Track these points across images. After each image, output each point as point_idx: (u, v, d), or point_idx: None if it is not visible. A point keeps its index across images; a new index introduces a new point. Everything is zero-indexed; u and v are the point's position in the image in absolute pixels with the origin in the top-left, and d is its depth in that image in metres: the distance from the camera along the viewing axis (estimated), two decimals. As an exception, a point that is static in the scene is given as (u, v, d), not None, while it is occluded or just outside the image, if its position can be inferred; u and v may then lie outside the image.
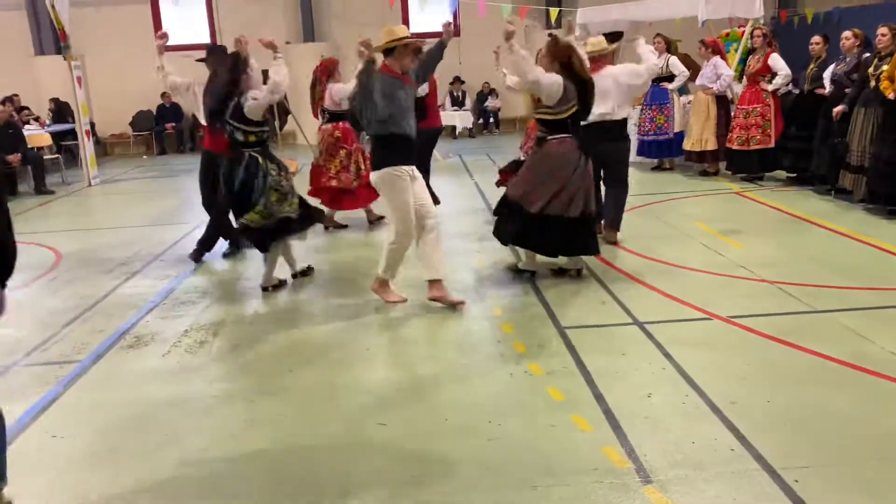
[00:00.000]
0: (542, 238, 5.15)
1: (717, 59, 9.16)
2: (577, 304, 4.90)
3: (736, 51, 9.89)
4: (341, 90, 6.99)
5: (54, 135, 12.84)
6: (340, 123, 7.13)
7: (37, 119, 13.50)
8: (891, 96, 6.52)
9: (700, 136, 9.25)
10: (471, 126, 15.82)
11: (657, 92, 9.77)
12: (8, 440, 3.38)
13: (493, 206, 5.70)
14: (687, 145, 9.45)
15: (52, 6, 10.70)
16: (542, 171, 5.07)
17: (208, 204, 6.34)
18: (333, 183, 7.05)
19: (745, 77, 8.90)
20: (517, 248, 5.81)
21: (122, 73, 15.14)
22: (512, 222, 5.22)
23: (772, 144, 8.55)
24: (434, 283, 4.97)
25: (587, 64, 5.12)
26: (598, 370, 3.84)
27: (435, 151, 8.55)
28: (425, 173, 7.77)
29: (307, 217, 5.53)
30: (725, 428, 3.21)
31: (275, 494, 2.92)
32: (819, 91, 7.90)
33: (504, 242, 5.49)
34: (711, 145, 9.20)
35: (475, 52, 15.01)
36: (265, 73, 5.35)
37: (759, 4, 9.68)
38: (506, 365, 3.99)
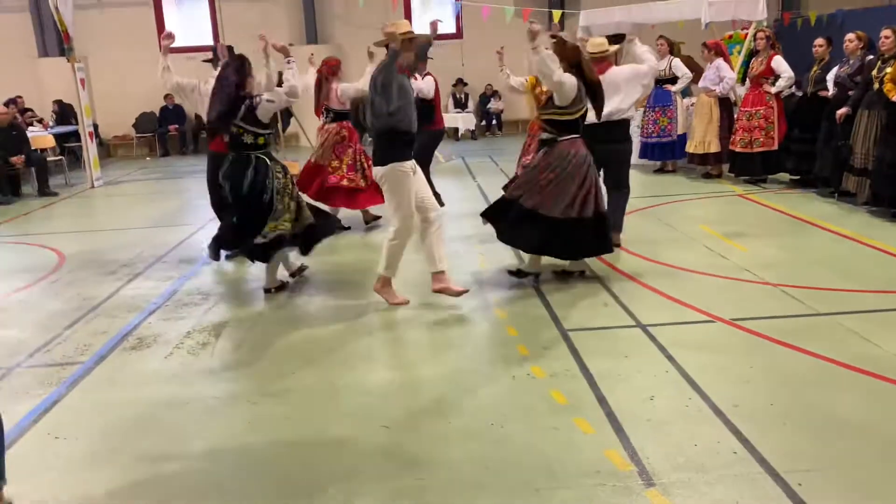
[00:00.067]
0: (567, 242, 5.12)
1: (719, 61, 9.16)
2: (580, 307, 4.90)
3: (739, 53, 9.89)
4: (347, 89, 7.01)
5: (58, 136, 12.87)
6: (345, 122, 7.15)
7: (40, 121, 13.52)
8: (894, 98, 6.51)
9: (703, 138, 9.25)
10: (473, 128, 15.82)
11: (660, 94, 9.76)
12: (10, 441, 3.41)
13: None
14: (690, 148, 9.44)
15: (56, 8, 10.72)
16: (557, 173, 5.03)
17: (218, 206, 6.33)
18: (345, 182, 7.04)
19: (748, 79, 8.89)
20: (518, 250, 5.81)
21: (125, 75, 15.16)
22: (534, 230, 5.09)
23: (775, 147, 8.54)
24: (437, 274, 5.02)
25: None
26: (601, 373, 3.83)
27: (437, 153, 8.57)
28: (426, 175, 7.78)
29: (323, 226, 5.55)
30: (728, 431, 3.20)
31: (277, 496, 2.92)
32: (822, 93, 7.89)
33: (528, 251, 5.41)
34: (714, 148, 9.20)
35: (477, 54, 15.04)
36: (280, 76, 5.38)
37: (763, 7, 9.68)
38: (508, 367, 3.99)
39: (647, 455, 3.04)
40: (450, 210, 8.04)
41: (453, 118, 15.03)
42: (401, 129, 4.81)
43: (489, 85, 15.97)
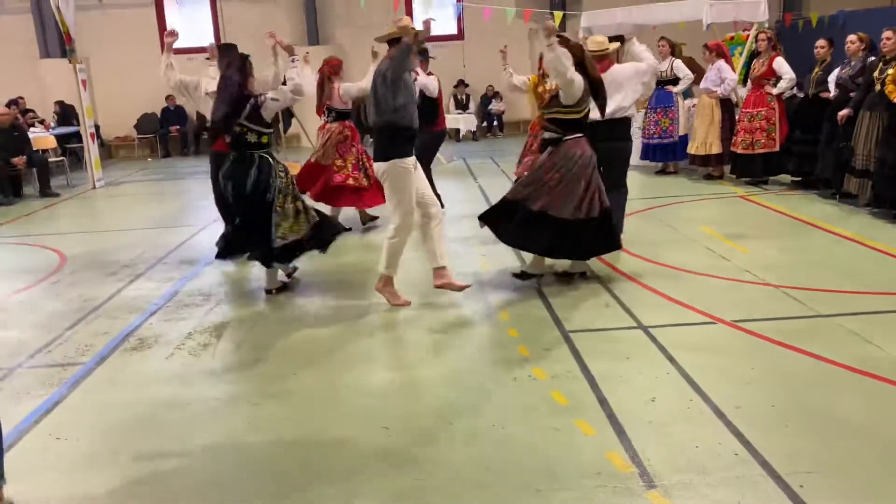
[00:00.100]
0: (576, 243, 5.11)
1: (721, 62, 9.15)
2: (582, 308, 4.89)
3: (740, 54, 9.88)
4: (350, 88, 7.02)
5: (59, 137, 12.88)
6: (347, 122, 7.15)
7: (42, 122, 13.53)
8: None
9: (704, 139, 9.24)
10: (474, 129, 15.82)
11: (662, 95, 9.76)
12: (11, 442, 3.41)
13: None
14: (691, 149, 9.43)
15: (58, 9, 10.73)
16: (563, 173, 5.00)
17: (222, 205, 6.32)
18: (350, 182, 7.03)
19: (749, 81, 8.89)
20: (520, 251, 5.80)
21: (126, 76, 15.18)
22: (543, 232, 5.05)
23: (776, 148, 8.53)
24: (439, 270, 5.06)
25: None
26: (602, 374, 3.83)
27: (438, 154, 8.56)
28: (430, 178, 7.78)
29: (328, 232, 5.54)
30: (729, 432, 3.19)
31: (277, 496, 2.92)
32: (824, 95, 7.88)
33: (539, 253, 5.37)
34: (716, 149, 9.19)
35: (479, 55, 15.05)
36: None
37: (764, 8, 9.67)
38: (510, 369, 3.98)
39: (648, 457, 3.03)
40: (451, 211, 8.04)
41: (455, 119, 15.03)
42: (403, 124, 4.83)
43: (490, 86, 15.97)
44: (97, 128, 13.12)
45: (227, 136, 5.22)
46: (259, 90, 5.24)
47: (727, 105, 9.27)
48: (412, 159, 4.92)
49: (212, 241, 6.37)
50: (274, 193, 5.14)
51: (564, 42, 5.00)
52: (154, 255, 6.86)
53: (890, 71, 6.67)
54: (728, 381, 3.70)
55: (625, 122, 6.00)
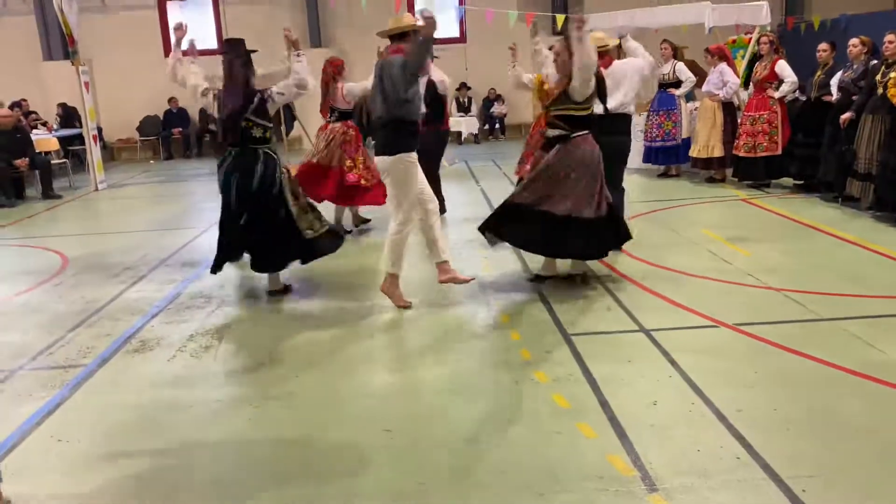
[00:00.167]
0: (592, 240, 5.09)
1: (723, 65, 9.15)
2: (584, 311, 4.89)
3: (743, 57, 9.88)
4: (353, 88, 7.03)
5: (62, 139, 12.90)
6: (350, 122, 7.15)
7: (44, 124, 13.56)
8: (898, 103, 6.51)
9: (706, 142, 9.24)
10: (476, 132, 15.83)
11: (664, 98, 9.77)
12: (13, 444, 3.42)
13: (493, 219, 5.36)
14: (693, 152, 9.43)
15: (61, 11, 10.76)
16: (580, 173, 4.96)
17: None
18: (363, 182, 7.03)
19: (751, 84, 8.89)
20: (521, 252, 5.79)
21: (129, 79, 15.21)
22: (577, 237, 5.00)
23: (779, 151, 8.53)
24: (442, 264, 5.12)
25: None
26: (604, 377, 3.83)
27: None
28: (435, 179, 7.79)
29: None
30: (731, 436, 3.19)
31: (279, 498, 2.92)
32: (826, 98, 7.88)
33: (581, 258, 5.35)
34: (718, 152, 9.19)
35: (481, 58, 15.05)
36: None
37: (766, 11, 9.68)
38: (511, 372, 3.98)
39: (649, 460, 3.03)
40: (453, 214, 8.05)
41: (457, 122, 15.03)
42: (409, 118, 4.87)
43: (492, 89, 15.99)
44: (100, 130, 13.12)
45: (232, 133, 5.13)
46: (263, 85, 5.23)
47: (729, 108, 9.27)
48: (415, 154, 4.94)
49: (214, 243, 6.38)
50: (280, 187, 5.13)
51: (570, 38, 5.00)
52: (156, 257, 6.86)
53: (892, 74, 6.67)
54: (730, 384, 3.70)
55: (626, 118, 6.03)
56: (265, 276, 5.59)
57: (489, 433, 3.33)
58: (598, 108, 5.23)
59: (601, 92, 5.15)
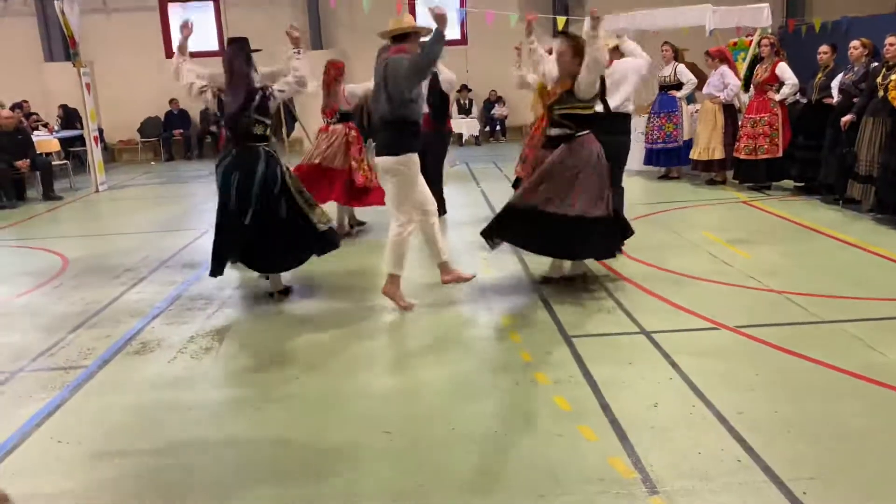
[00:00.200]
0: (608, 241, 5.10)
1: (724, 67, 9.15)
2: (584, 313, 4.89)
3: (744, 60, 9.88)
4: (355, 89, 7.03)
5: (63, 141, 12.91)
6: (350, 123, 7.15)
7: (45, 125, 13.57)
8: (899, 106, 6.50)
9: (707, 144, 9.24)
10: (477, 134, 15.84)
11: (665, 100, 9.77)
12: (13, 445, 3.42)
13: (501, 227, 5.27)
14: (694, 154, 9.43)
15: (62, 13, 10.77)
16: (589, 172, 4.94)
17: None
18: (372, 183, 7.02)
19: (752, 86, 8.89)
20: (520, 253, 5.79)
21: (130, 80, 15.23)
22: (606, 236, 5.02)
23: (779, 154, 8.53)
24: (444, 265, 5.20)
25: None
26: (605, 379, 3.82)
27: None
28: (438, 180, 7.81)
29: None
30: (732, 438, 3.18)
31: (280, 501, 2.91)
32: (827, 100, 7.88)
33: (608, 258, 5.36)
34: (719, 154, 9.19)
35: (482, 60, 15.06)
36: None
37: (767, 14, 9.69)
38: (512, 374, 3.98)
39: (650, 462, 3.03)
40: (453, 216, 8.05)
41: (457, 124, 15.04)
42: (412, 118, 4.88)
43: (493, 91, 16.00)
44: (101, 131, 13.14)
45: (237, 131, 5.11)
46: (265, 83, 5.24)
47: (730, 110, 9.27)
48: (417, 155, 4.96)
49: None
50: (284, 183, 5.13)
51: (574, 39, 5.00)
52: (157, 258, 6.86)
53: (893, 77, 6.67)
54: (730, 386, 3.69)
55: (626, 117, 6.04)
56: (265, 277, 5.58)
57: (489, 435, 3.33)
58: (597, 108, 5.23)
59: (602, 91, 5.15)
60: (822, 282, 5.27)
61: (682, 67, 9.63)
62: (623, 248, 5.76)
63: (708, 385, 3.69)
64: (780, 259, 5.94)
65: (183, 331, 4.90)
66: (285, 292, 5.52)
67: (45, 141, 12.10)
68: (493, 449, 3.21)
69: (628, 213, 6.38)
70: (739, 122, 9.05)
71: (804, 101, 8.53)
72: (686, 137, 9.68)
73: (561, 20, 12.21)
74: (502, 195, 6.60)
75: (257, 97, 5.07)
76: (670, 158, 9.87)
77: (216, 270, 5.26)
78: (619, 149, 5.86)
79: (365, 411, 3.64)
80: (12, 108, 12.28)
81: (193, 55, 5.68)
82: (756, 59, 9.14)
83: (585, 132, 5.01)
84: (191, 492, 3.01)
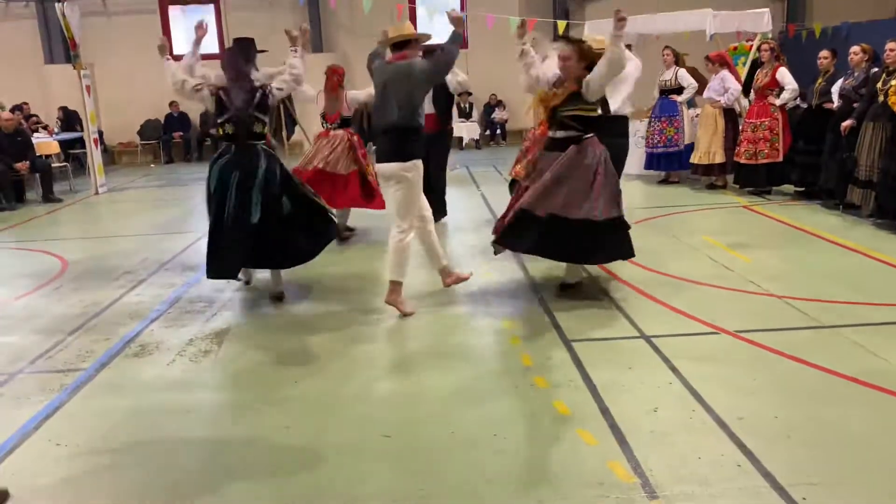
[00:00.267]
0: (627, 240, 5.07)
1: (724, 72, 9.16)
2: (584, 318, 4.88)
3: (744, 64, 9.89)
4: (357, 95, 7.02)
5: (62, 143, 12.91)
6: (350, 128, 7.14)
7: (45, 127, 13.58)
8: (899, 111, 6.51)
9: (708, 149, 9.24)
10: (477, 137, 15.85)
11: (666, 104, 9.78)
12: (11, 447, 3.41)
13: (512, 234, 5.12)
14: (695, 158, 9.43)
15: (63, 15, 10.78)
16: (601, 174, 4.89)
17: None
18: (380, 187, 7.01)
19: (752, 91, 8.90)
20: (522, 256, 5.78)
21: (130, 83, 15.24)
22: (608, 238, 4.95)
23: (780, 158, 8.54)
24: (444, 269, 5.27)
25: None
26: (605, 384, 3.82)
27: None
28: (442, 180, 7.82)
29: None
30: (732, 443, 3.18)
31: (278, 506, 2.91)
32: (827, 105, 7.88)
33: (584, 262, 5.32)
34: (719, 158, 9.19)
35: (482, 63, 15.06)
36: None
37: (768, 19, 9.70)
38: (512, 378, 3.97)
39: (650, 467, 3.02)
40: (454, 219, 8.05)
41: (457, 127, 15.04)
42: (417, 124, 4.90)
43: (493, 95, 16.02)
44: (101, 133, 13.16)
45: (227, 128, 5.07)
46: (263, 81, 5.25)
47: (731, 115, 9.28)
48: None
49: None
50: (287, 176, 5.14)
51: (580, 43, 4.99)
52: (156, 261, 6.85)
53: (893, 82, 6.68)
54: (730, 391, 3.69)
55: (624, 120, 6.04)
56: (265, 279, 5.57)
57: (489, 439, 3.32)
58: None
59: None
60: (822, 286, 5.27)
61: (683, 72, 9.63)
62: None
63: (708, 390, 3.69)
64: (780, 263, 5.94)
65: (182, 333, 4.89)
66: (280, 298, 5.48)
67: (45, 143, 12.10)
68: (492, 453, 3.20)
69: (628, 217, 6.36)
70: (740, 127, 9.05)
71: (804, 105, 8.55)
72: (687, 142, 9.68)
73: (561, 24, 12.23)
74: (503, 199, 6.59)
75: (258, 94, 5.08)
76: (671, 163, 9.86)
77: (220, 272, 5.15)
78: (618, 151, 5.84)
79: (364, 414, 3.63)
80: (12, 110, 12.29)
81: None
82: (756, 64, 9.15)
83: (591, 134, 4.99)
84: (189, 494, 3.00)
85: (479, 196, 9.70)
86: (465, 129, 15.43)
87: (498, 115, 16.17)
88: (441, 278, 5.35)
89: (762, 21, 9.78)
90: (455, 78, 7.22)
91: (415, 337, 4.73)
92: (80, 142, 12.59)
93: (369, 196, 7.02)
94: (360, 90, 7.04)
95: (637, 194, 8.96)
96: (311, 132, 8.92)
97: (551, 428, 3.40)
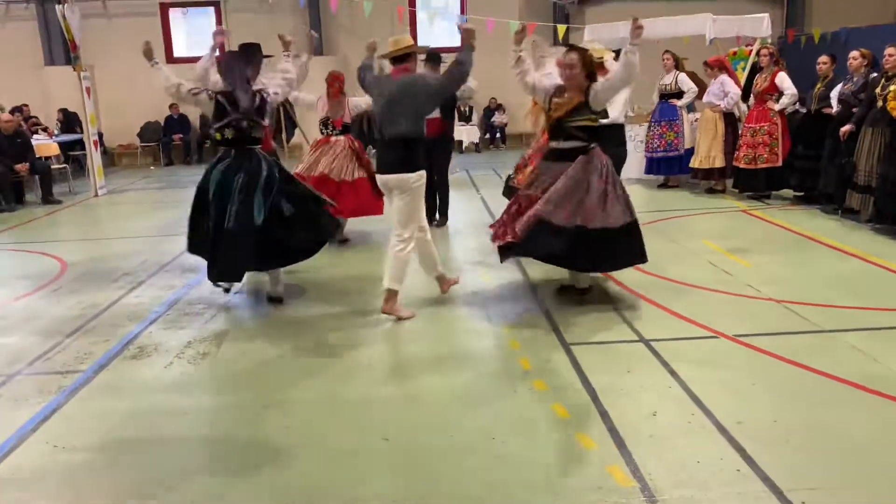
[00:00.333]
0: (641, 244, 5.07)
1: (724, 76, 9.17)
2: (583, 321, 4.87)
3: (743, 69, 9.91)
4: (359, 102, 7.02)
5: (62, 145, 12.91)
6: (349, 134, 7.14)
7: (45, 129, 13.58)
8: (898, 116, 6.52)
9: (708, 153, 9.25)
10: (477, 141, 15.86)
11: (666, 108, 9.78)
12: (9, 449, 3.40)
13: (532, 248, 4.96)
14: (694, 163, 9.43)
15: (63, 17, 10.78)
16: (613, 183, 4.90)
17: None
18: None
19: (751, 96, 8.91)
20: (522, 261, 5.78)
21: (130, 85, 15.21)
22: (626, 243, 4.94)
23: (779, 163, 8.55)
24: (440, 277, 5.34)
25: None
26: (604, 388, 3.81)
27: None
28: (446, 183, 7.83)
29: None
30: (731, 448, 3.18)
31: (276, 508, 2.90)
32: (826, 110, 7.89)
33: (595, 271, 5.32)
34: (719, 162, 9.20)
35: (482, 67, 14.98)
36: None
37: (767, 24, 9.73)
38: (510, 381, 3.97)
39: (649, 471, 3.01)
40: (454, 223, 8.05)
41: (457, 131, 15.04)
42: (422, 134, 4.91)
43: (493, 98, 16.02)
44: (100, 135, 13.15)
45: (225, 133, 5.07)
46: (259, 85, 5.26)
47: (730, 119, 9.29)
48: None
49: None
50: (284, 178, 5.14)
51: (583, 52, 4.98)
52: (155, 262, 6.85)
53: (892, 87, 6.68)
54: (730, 395, 3.69)
55: (621, 128, 6.04)
56: (264, 281, 5.57)
57: (488, 442, 3.31)
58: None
59: None
60: (822, 291, 5.27)
61: (683, 76, 9.64)
62: None
63: (707, 394, 3.69)
64: (779, 268, 5.94)
65: (181, 335, 4.89)
66: (279, 300, 5.48)
67: (45, 145, 12.10)
68: (490, 457, 3.20)
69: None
70: (739, 132, 9.06)
71: (803, 110, 8.55)
72: (687, 146, 9.69)
73: (561, 28, 12.26)
74: (502, 202, 6.58)
75: (258, 99, 5.09)
76: (671, 167, 9.87)
77: (224, 276, 5.14)
78: (616, 161, 5.86)
79: (364, 417, 3.63)
80: (12, 112, 12.29)
81: (194, 60, 5.71)
82: (755, 69, 9.17)
83: (594, 144, 4.97)
84: (188, 495, 2.99)
85: (478, 199, 9.71)
86: (464, 133, 15.45)
87: (498, 118, 16.19)
88: (438, 286, 5.41)
89: (761, 26, 9.80)
90: (467, 85, 7.22)
91: (414, 340, 4.73)
92: (80, 143, 12.58)
93: (376, 201, 7.01)
94: (361, 97, 7.05)
95: (637, 198, 8.86)
96: (310, 136, 8.93)
97: (550, 431, 3.40)
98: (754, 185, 8.75)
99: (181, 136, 15.54)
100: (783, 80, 8.45)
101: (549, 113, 4.98)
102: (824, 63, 8.04)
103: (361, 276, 6.15)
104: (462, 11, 15.49)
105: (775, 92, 8.50)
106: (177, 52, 15.98)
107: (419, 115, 4.86)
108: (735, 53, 10.39)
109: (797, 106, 8.70)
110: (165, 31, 15.81)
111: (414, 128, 4.83)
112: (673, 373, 3.96)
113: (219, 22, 15.76)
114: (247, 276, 5.86)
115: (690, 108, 9.96)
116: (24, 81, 15.02)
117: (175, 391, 4.04)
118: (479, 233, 7.54)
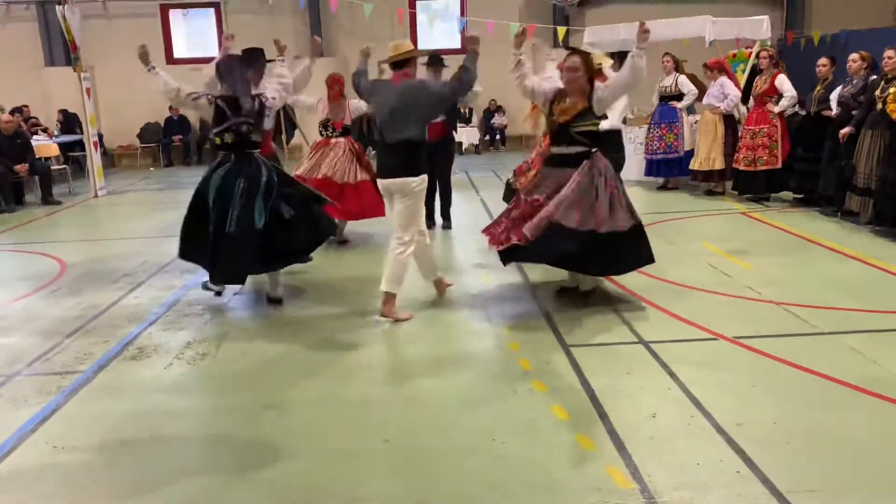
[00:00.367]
0: (647, 246, 5.09)
1: (723, 78, 9.18)
2: (583, 323, 4.88)
3: (743, 72, 9.92)
4: (360, 104, 7.01)
5: (62, 145, 12.91)
6: (349, 136, 7.14)
7: (45, 129, 13.58)
8: (897, 118, 6.52)
9: (707, 155, 9.26)
10: (477, 143, 15.87)
11: (666, 110, 9.79)
12: (8, 450, 3.40)
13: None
14: (694, 165, 9.44)
15: (64, 18, 10.79)
16: (616, 185, 4.91)
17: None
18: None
19: (751, 98, 8.92)
20: (523, 265, 5.77)
21: (130, 85, 15.19)
22: (641, 243, 5.00)
23: (779, 165, 8.55)
24: (438, 281, 5.40)
25: None
26: (603, 389, 3.81)
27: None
28: (448, 185, 7.83)
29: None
30: (731, 450, 3.17)
31: (275, 509, 2.90)
32: (826, 113, 7.90)
33: (601, 275, 5.32)
34: (719, 164, 9.20)
35: (482, 69, 15.03)
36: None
37: (767, 26, 9.74)
38: (510, 382, 3.96)
39: (648, 473, 3.01)
40: (453, 223, 8.05)
41: (458, 133, 15.08)
42: (424, 138, 4.93)
43: (493, 100, 16.03)
44: (100, 136, 13.15)
45: (225, 137, 5.05)
46: (258, 90, 5.27)
47: (730, 121, 9.30)
48: None
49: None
50: (282, 181, 5.14)
51: (585, 56, 4.97)
52: (155, 263, 6.85)
53: (891, 90, 6.69)
54: (729, 397, 3.69)
55: (619, 133, 6.04)
56: (264, 282, 5.57)
57: (488, 443, 3.31)
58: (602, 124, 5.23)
59: None
60: (821, 293, 5.27)
61: (683, 78, 9.65)
62: None
63: (707, 396, 3.69)
64: (779, 270, 5.94)
65: (180, 336, 4.89)
66: (279, 301, 5.48)
67: (45, 145, 12.11)
68: (490, 458, 3.20)
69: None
70: (739, 134, 9.07)
71: (803, 113, 8.56)
72: (687, 148, 9.70)
73: (561, 30, 12.27)
74: (502, 204, 6.59)
75: (257, 104, 5.09)
76: (671, 169, 9.88)
77: (227, 278, 5.18)
78: (615, 166, 5.85)
79: (364, 418, 3.63)
80: (12, 113, 12.29)
81: (194, 61, 5.71)
82: (755, 71, 9.17)
83: (596, 149, 4.96)
84: (188, 496, 2.99)
85: (478, 201, 9.71)
86: (464, 135, 15.46)
87: (497, 120, 16.20)
88: (436, 289, 5.45)
89: (761, 28, 9.81)
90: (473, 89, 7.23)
91: (414, 341, 4.73)
92: (80, 144, 12.59)
93: (379, 203, 6.98)
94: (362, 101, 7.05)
95: (636, 200, 8.82)
96: (310, 137, 8.93)
97: (550, 433, 3.40)
98: (754, 187, 8.76)
99: (181, 137, 15.55)
100: (783, 82, 8.46)
101: (553, 118, 4.95)
102: (824, 65, 8.05)
103: (361, 277, 6.14)
104: (462, 13, 15.50)
105: (775, 94, 8.51)
106: (177, 53, 15.99)
107: (423, 121, 4.89)
108: (735, 55, 10.40)
109: (797, 108, 8.71)
110: (166, 32, 15.82)
111: (418, 132, 4.84)
112: (673, 374, 3.96)
113: (219, 23, 15.78)
114: (246, 279, 5.88)
115: (690, 110, 9.97)
116: (24, 82, 15.03)
117: (174, 392, 4.04)
118: (479, 234, 7.49)
